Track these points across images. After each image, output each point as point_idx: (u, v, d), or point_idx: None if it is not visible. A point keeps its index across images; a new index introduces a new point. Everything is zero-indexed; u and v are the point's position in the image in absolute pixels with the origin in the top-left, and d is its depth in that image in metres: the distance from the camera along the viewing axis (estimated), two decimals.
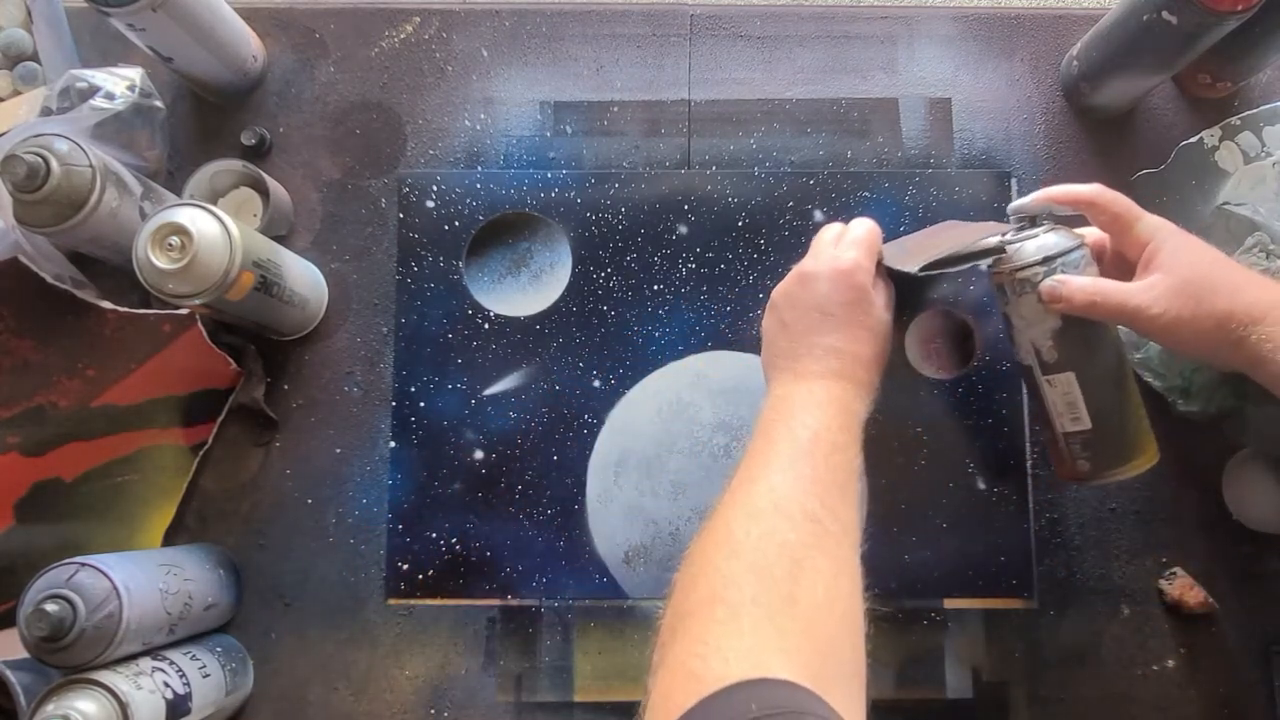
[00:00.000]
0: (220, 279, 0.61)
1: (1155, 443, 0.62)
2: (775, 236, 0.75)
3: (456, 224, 0.75)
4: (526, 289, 0.76)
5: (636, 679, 0.70)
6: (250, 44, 0.75)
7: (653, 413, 0.73)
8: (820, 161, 0.77)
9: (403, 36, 0.79)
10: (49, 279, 0.66)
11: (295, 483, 0.73)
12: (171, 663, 0.62)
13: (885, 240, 0.64)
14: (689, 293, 0.75)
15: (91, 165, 0.62)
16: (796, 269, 0.62)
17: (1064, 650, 0.71)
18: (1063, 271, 0.59)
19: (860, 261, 0.60)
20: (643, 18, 0.79)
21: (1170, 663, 0.71)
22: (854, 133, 0.77)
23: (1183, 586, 0.70)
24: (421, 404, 0.73)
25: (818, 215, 0.75)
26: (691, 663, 0.43)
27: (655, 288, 0.75)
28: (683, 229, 0.75)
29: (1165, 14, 0.62)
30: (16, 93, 0.74)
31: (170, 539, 0.72)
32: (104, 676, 0.56)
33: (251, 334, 0.73)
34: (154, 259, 0.60)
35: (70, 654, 0.56)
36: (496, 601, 0.71)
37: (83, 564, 0.57)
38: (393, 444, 0.73)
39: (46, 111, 0.68)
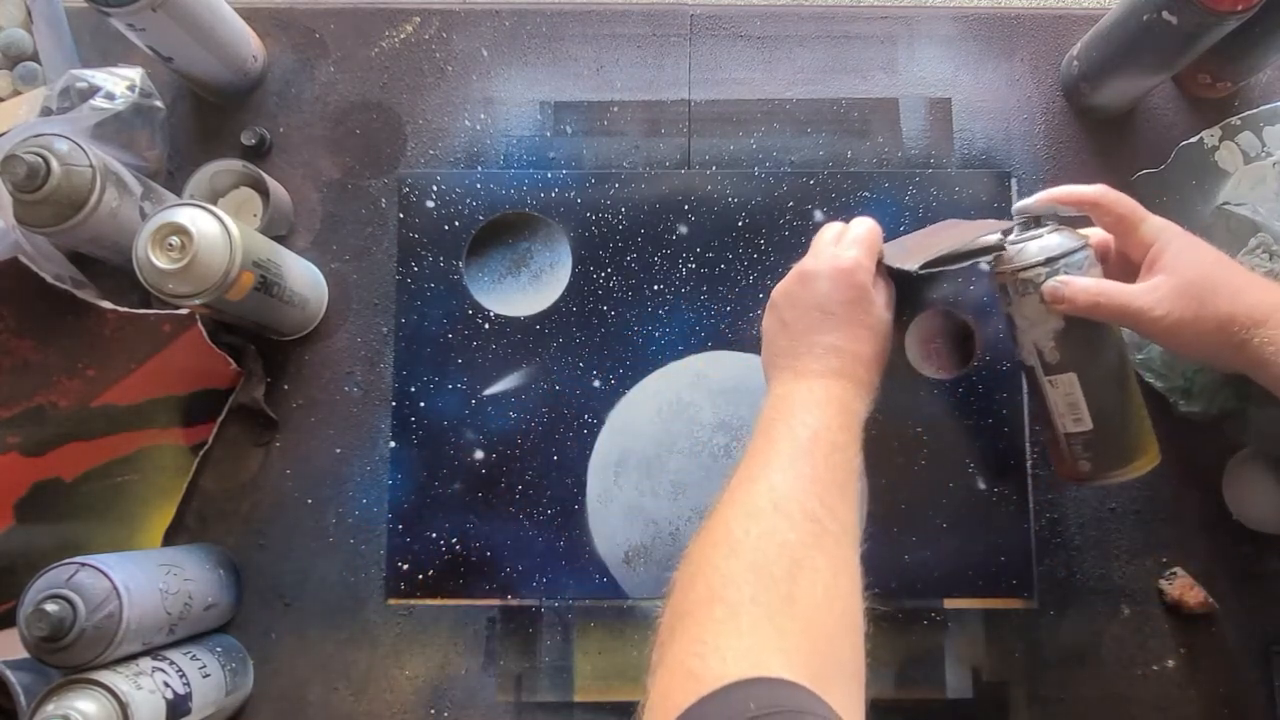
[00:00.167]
0: (220, 279, 0.61)
1: (1157, 444, 0.62)
2: (775, 236, 0.75)
3: (456, 224, 0.75)
4: (526, 289, 0.76)
5: (636, 679, 0.70)
6: (250, 44, 0.75)
7: (653, 413, 0.73)
8: (820, 161, 0.77)
9: (403, 36, 0.79)
10: (49, 279, 0.66)
11: (295, 483, 0.73)
12: (171, 663, 0.62)
13: (886, 239, 0.64)
14: (689, 293, 0.75)
15: (91, 165, 0.62)
16: (797, 268, 0.62)
17: (1064, 650, 0.71)
18: (1066, 272, 0.59)
19: (861, 260, 0.60)
20: (643, 18, 0.79)
21: (1170, 663, 0.71)
22: (854, 133, 0.77)
23: (1183, 586, 0.70)
24: (421, 404, 0.73)
25: (818, 215, 0.75)
26: (690, 662, 0.43)
27: (655, 288, 0.75)
28: (683, 229, 0.75)
29: (1165, 14, 0.62)
30: (16, 93, 0.75)
31: (170, 539, 0.72)
32: (104, 676, 0.56)
33: (251, 334, 0.73)
34: (154, 259, 0.60)
35: (70, 654, 0.56)
36: (496, 601, 0.71)
37: (83, 564, 0.57)
38: (393, 444, 0.73)
39: (46, 111, 0.68)
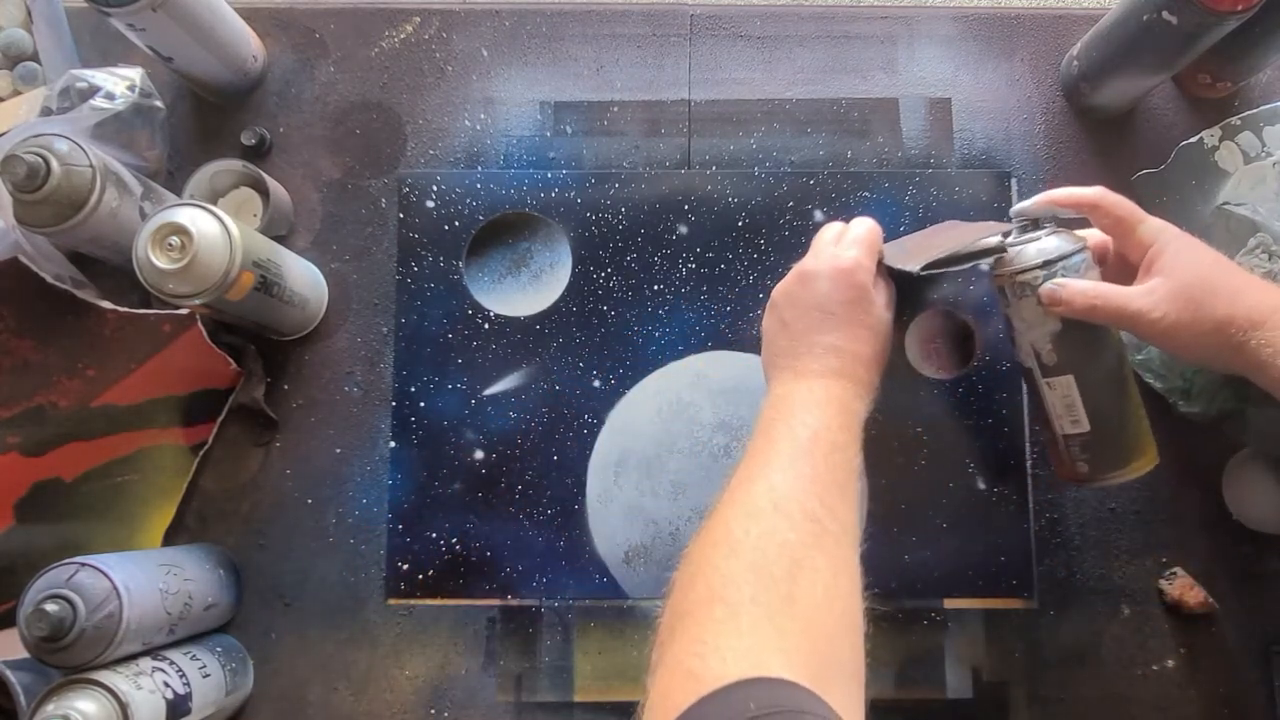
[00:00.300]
0: (220, 279, 0.61)
1: (1155, 445, 0.62)
2: (775, 236, 0.75)
3: (456, 224, 0.75)
4: (526, 289, 0.76)
5: (636, 679, 0.70)
6: (250, 44, 0.75)
7: (653, 413, 0.73)
8: (820, 161, 0.77)
9: (403, 36, 0.79)
10: (49, 279, 0.66)
11: (295, 483, 0.73)
12: (171, 663, 0.62)
13: (886, 240, 0.64)
14: (689, 293, 0.75)
15: (91, 165, 0.62)
16: (797, 268, 0.62)
17: (1064, 650, 0.71)
18: (1063, 275, 0.59)
19: (861, 260, 0.60)
20: (643, 18, 0.79)
21: (1170, 663, 0.71)
22: (854, 133, 0.77)
23: (1183, 586, 0.70)
24: (421, 404, 0.73)
25: (818, 215, 0.75)
26: (690, 662, 0.43)
27: (655, 288, 0.75)
28: (683, 229, 0.75)
29: (1165, 14, 0.62)
30: (16, 93, 0.75)
31: (170, 539, 0.72)
32: (104, 676, 0.56)
33: (251, 334, 0.73)
34: (154, 259, 0.60)
35: (70, 654, 0.56)
36: (496, 601, 0.71)
37: (83, 564, 0.57)
38: (393, 444, 0.73)
39: (46, 111, 0.68)
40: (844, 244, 0.62)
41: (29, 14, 0.74)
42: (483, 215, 0.75)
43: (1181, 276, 0.57)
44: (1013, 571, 0.71)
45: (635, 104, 0.78)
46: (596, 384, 0.74)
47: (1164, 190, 0.74)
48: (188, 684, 0.61)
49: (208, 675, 0.64)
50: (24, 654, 0.57)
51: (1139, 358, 0.72)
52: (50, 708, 0.54)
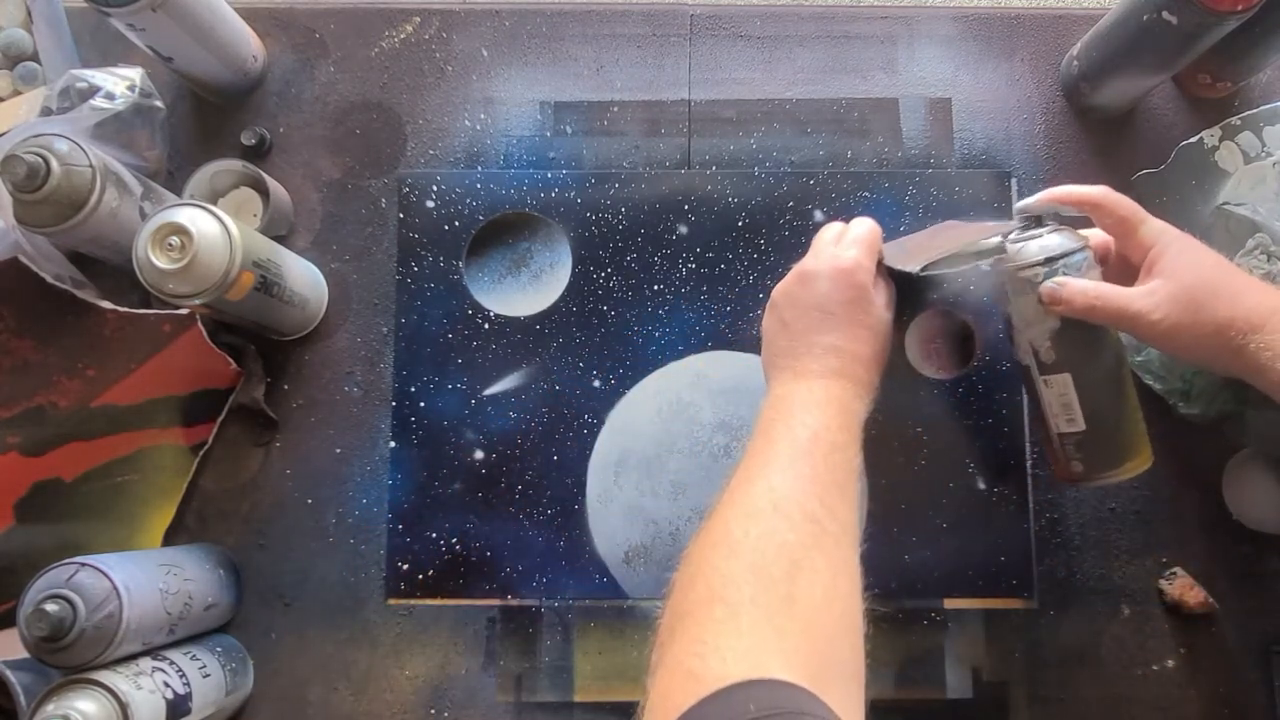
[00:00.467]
0: (220, 279, 0.61)
1: (1150, 446, 0.62)
2: (775, 236, 0.75)
3: (456, 224, 0.75)
4: (526, 289, 0.76)
5: (636, 679, 0.70)
6: (250, 44, 0.75)
7: (653, 413, 0.73)
8: (820, 161, 0.77)
9: (403, 36, 0.79)
10: (49, 279, 0.66)
11: (295, 483, 0.73)
12: (171, 663, 0.62)
13: (886, 240, 0.64)
14: (689, 293, 0.75)
15: (91, 165, 0.62)
16: (797, 268, 0.62)
17: (1064, 650, 0.71)
18: (1064, 273, 0.59)
19: (861, 260, 0.60)
20: (643, 18, 0.79)
21: (1170, 663, 0.71)
22: (854, 133, 0.77)
23: (1183, 586, 0.70)
24: (421, 404, 0.73)
25: (818, 215, 0.75)
26: (690, 662, 0.43)
27: (655, 288, 0.75)
28: (683, 229, 0.75)
29: (1165, 14, 0.62)
30: (16, 93, 0.75)
31: (170, 539, 0.72)
32: (104, 676, 0.56)
33: (251, 334, 0.73)
34: (154, 259, 0.60)
35: (70, 654, 0.56)
36: (496, 601, 0.71)
37: (83, 564, 0.57)
38: (393, 444, 0.73)
39: (46, 111, 0.68)
40: (844, 244, 0.62)
41: (29, 14, 0.74)
42: (483, 215, 0.75)
43: (1182, 279, 0.57)
44: (1013, 571, 0.71)
45: (635, 104, 0.78)
46: (596, 384, 0.74)
47: (1164, 190, 0.74)
48: (188, 684, 0.62)
49: (208, 675, 0.64)
50: (24, 654, 0.57)
51: (1138, 359, 0.72)
52: (50, 708, 0.54)
